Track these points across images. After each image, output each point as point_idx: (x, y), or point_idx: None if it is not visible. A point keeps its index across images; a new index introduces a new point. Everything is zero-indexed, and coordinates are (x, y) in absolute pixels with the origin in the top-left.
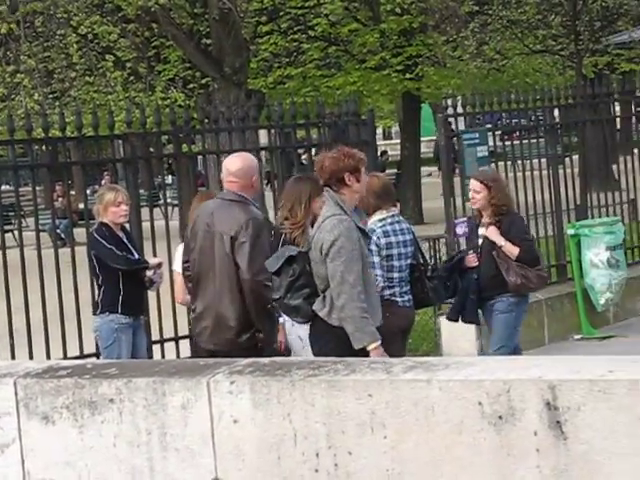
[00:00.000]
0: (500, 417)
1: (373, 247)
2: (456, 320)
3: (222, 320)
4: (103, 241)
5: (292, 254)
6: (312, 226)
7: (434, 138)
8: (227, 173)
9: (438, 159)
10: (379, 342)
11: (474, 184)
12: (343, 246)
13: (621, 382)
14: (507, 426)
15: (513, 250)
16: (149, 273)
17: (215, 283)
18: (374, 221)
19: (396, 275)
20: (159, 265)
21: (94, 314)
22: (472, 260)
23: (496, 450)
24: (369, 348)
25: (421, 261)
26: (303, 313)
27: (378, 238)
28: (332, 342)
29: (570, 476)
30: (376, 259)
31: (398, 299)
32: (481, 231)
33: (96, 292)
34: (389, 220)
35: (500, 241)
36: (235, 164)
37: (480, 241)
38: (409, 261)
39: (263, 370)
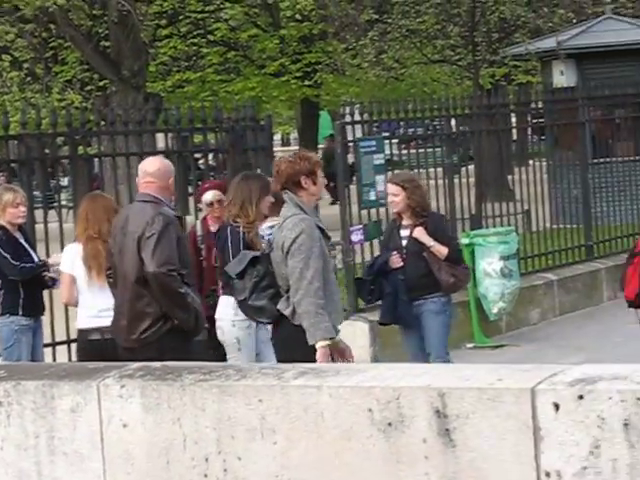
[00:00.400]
0: (389, 424)
1: None
2: (389, 324)
3: (133, 318)
4: (2, 250)
5: (256, 255)
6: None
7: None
8: (144, 174)
9: (325, 166)
10: (329, 342)
11: (391, 188)
12: (303, 243)
13: (510, 390)
14: (396, 433)
15: (442, 250)
16: (50, 272)
17: (126, 283)
18: (264, 228)
19: None
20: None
21: None
22: (396, 261)
23: (385, 456)
24: (317, 345)
25: None
26: (268, 313)
27: (268, 246)
28: (300, 345)
29: None
30: None
31: None
32: (404, 233)
33: None
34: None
35: (429, 242)
36: (153, 165)
37: (404, 242)
38: None
39: (154, 374)
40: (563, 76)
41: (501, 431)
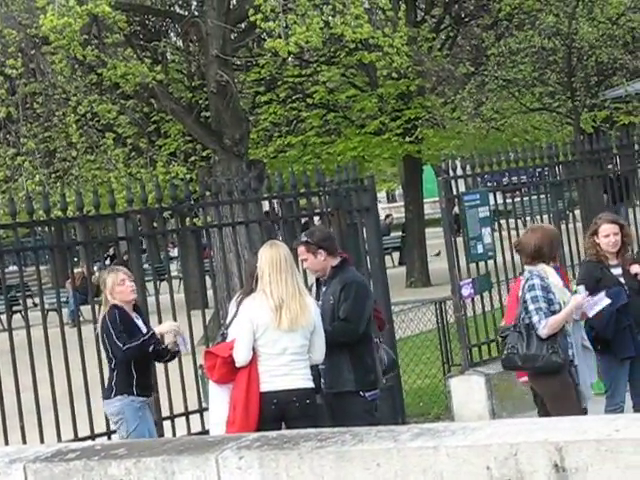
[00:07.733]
0: None
1: None
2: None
3: None
4: (113, 331)
5: None
6: None
7: (437, 199)
8: None
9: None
10: None
11: (611, 227)
12: None
13: (628, 441)
14: None
15: None
16: (168, 340)
17: None
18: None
19: None
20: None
21: (107, 398)
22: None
23: None
24: None
25: (527, 321)
26: None
27: None
28: None
29: None
30: None
31: None
32: (615, 271)
33: (107, 375)
34: None
35: None
36: None
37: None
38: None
39: (271, 444)
40: None
41: None
